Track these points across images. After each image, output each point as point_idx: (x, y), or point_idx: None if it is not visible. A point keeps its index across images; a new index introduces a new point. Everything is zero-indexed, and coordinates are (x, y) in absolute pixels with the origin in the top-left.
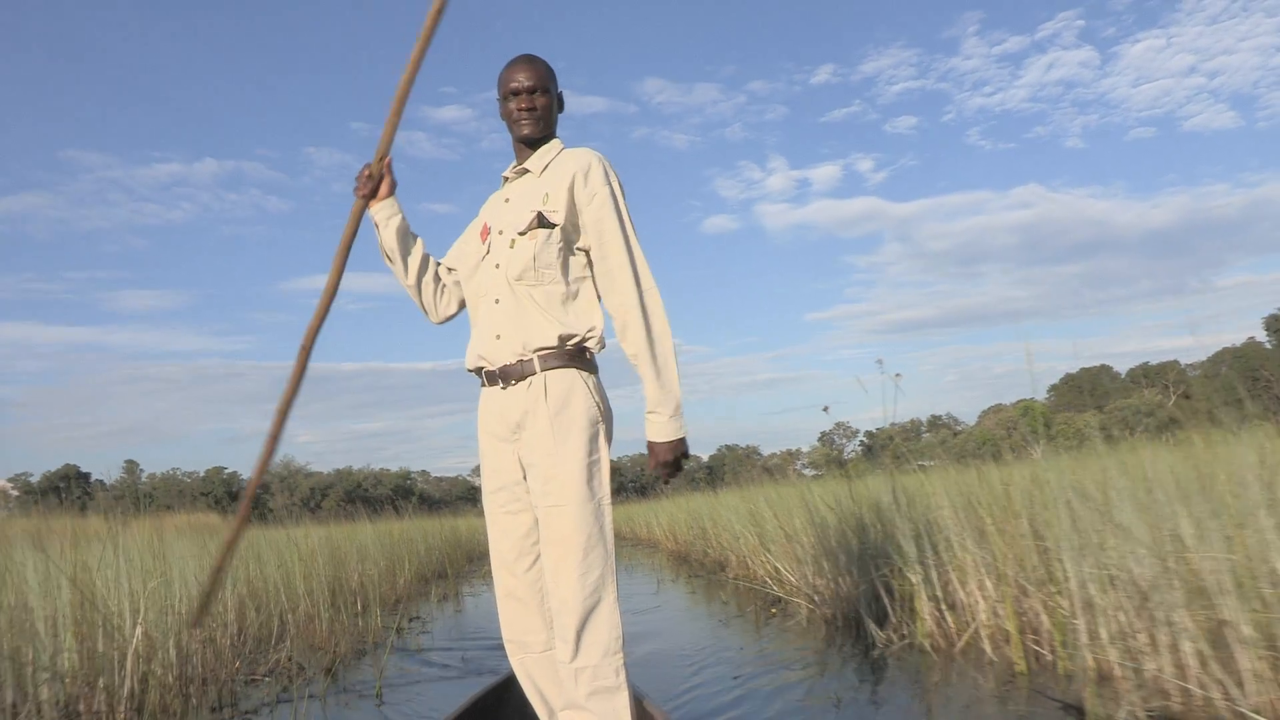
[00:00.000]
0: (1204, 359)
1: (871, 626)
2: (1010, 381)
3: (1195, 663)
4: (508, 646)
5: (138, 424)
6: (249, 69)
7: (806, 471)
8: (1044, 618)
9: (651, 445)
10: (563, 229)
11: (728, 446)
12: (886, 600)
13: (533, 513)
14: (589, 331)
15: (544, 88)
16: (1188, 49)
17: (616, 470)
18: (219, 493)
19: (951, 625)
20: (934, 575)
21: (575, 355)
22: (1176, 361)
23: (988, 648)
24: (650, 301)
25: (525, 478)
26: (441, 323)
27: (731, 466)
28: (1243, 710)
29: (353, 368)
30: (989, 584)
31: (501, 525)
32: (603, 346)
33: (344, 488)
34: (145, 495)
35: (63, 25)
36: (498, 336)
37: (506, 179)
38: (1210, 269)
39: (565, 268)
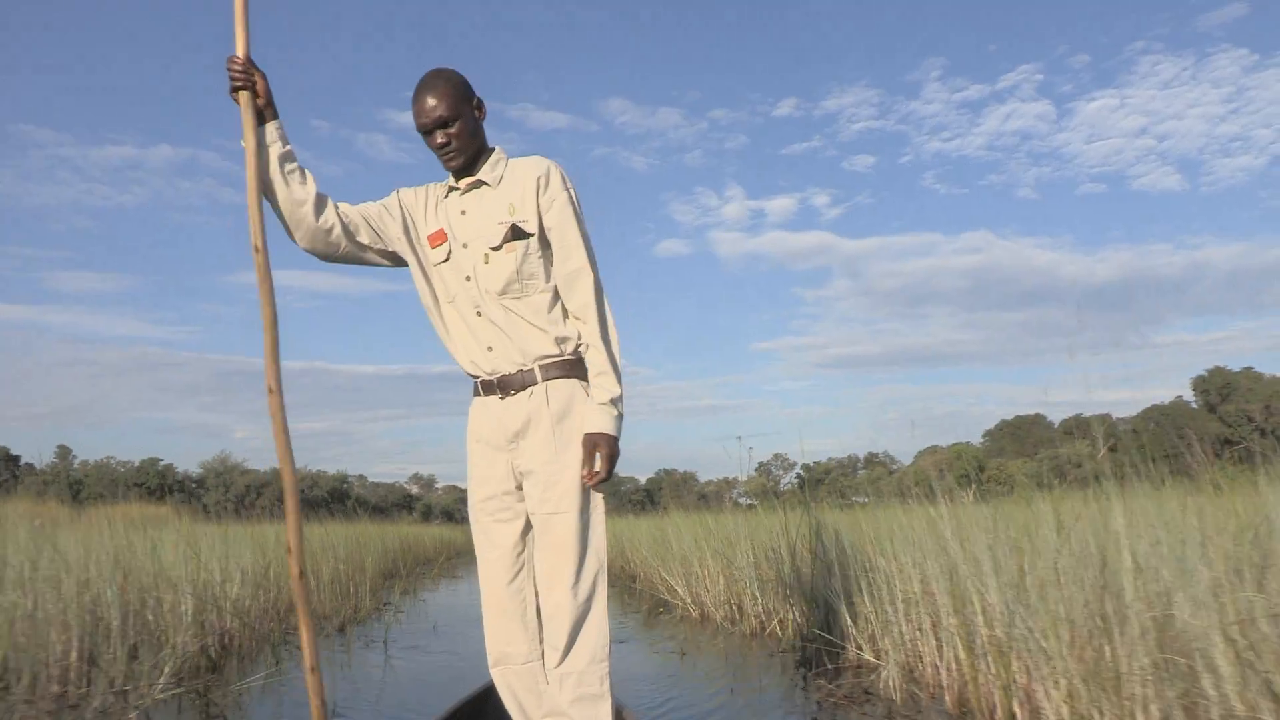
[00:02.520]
0: (1135, 413)
1: (718, 618)
2: (949, 423)
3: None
4: (490, 656)
5: (71, 408)
6: (207, 56)
7: (743, 500)
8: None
9: (597, 437)
10: (539, 237)
11: (666, 470)
12: (729, 601)
13: (521, 522)
14: (582, 339)
15: (456, 114)
16: (1140, 110)
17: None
18: (152, 484)
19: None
20: (752, 589)
21: (575, 365)
22: (1109, 415)
23: (778, 630)
24: (606, 304)
25: (517, 486)
26: (306, 250)
27: (669, 490)
28: None
29: (297, 365)
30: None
31: (490, 534)
32: None
33: (279, 487)
34: (76, 482)
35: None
36: (490, 349)
37: (454, 188)
38: (1149, 325)
39: (548, 275)
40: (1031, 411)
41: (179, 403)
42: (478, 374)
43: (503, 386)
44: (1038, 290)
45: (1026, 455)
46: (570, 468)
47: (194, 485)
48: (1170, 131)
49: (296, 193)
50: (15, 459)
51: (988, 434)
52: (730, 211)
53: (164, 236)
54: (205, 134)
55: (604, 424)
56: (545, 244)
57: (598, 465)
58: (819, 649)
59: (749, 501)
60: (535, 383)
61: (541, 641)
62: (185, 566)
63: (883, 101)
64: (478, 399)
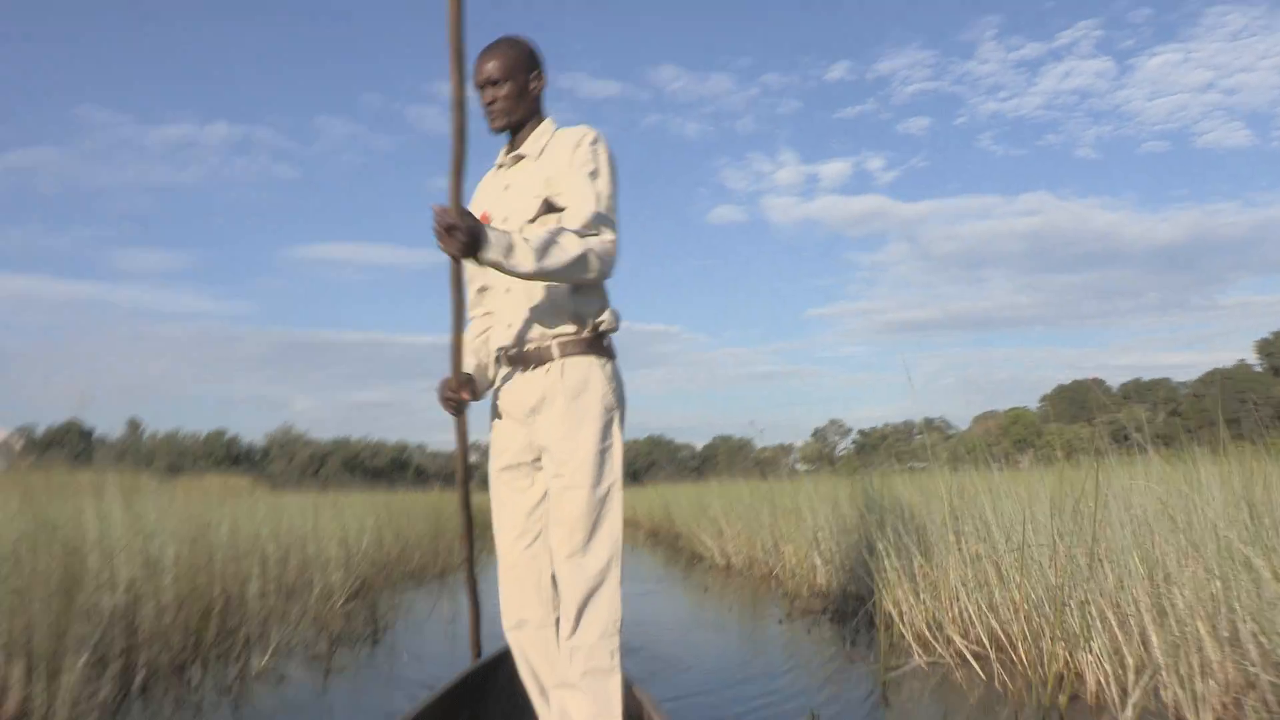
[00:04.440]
0: (1195, 378)
1: (739, 566)
2: (1008, 388)
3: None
4: (504, 621)
5: (138, 382)
6: (263, 33)
7: (799, 466)
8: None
9: (477, 223)
10: None
11: (722, 437)
12: (749, 554)
13: (537, 491)
14: (601, 314)
15: (507, 76)
16: (1206, 65)
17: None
18: (219, 455)
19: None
20: (788, 550)
21: (593, 342)
22: (1168, 379)
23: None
24: (602, 241)
25: (535, 459)
26: None
27: (725, 457)
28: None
29: (354, 337)
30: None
31: (506, 502)
32: (617, 327)
33: (341, 457)
34: (148, 454)
35: None
36: (509, 325)
37: (501, 165)
38: (1214, 286)
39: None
40: (1089, 375)
41: (240, 375)
42: (499, 349)
43: (522, 361)
44: (1098, 252)
45: (1084, 420)
46: (584, 444)
47: (259, 456)
48: (1239, 85)
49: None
50: (88, 433)
51: (1045, 399)
52: (783, 177)
53: (220, 213)
54: (260, 111)
55: (494, 236)
56: None
57: (450, 233)
58: (804, 584)
59: (805, 467)
60: (552, 359)
61: (556, 609)
62: (312, 526)
63: (937, 62)
64: (500, 370)
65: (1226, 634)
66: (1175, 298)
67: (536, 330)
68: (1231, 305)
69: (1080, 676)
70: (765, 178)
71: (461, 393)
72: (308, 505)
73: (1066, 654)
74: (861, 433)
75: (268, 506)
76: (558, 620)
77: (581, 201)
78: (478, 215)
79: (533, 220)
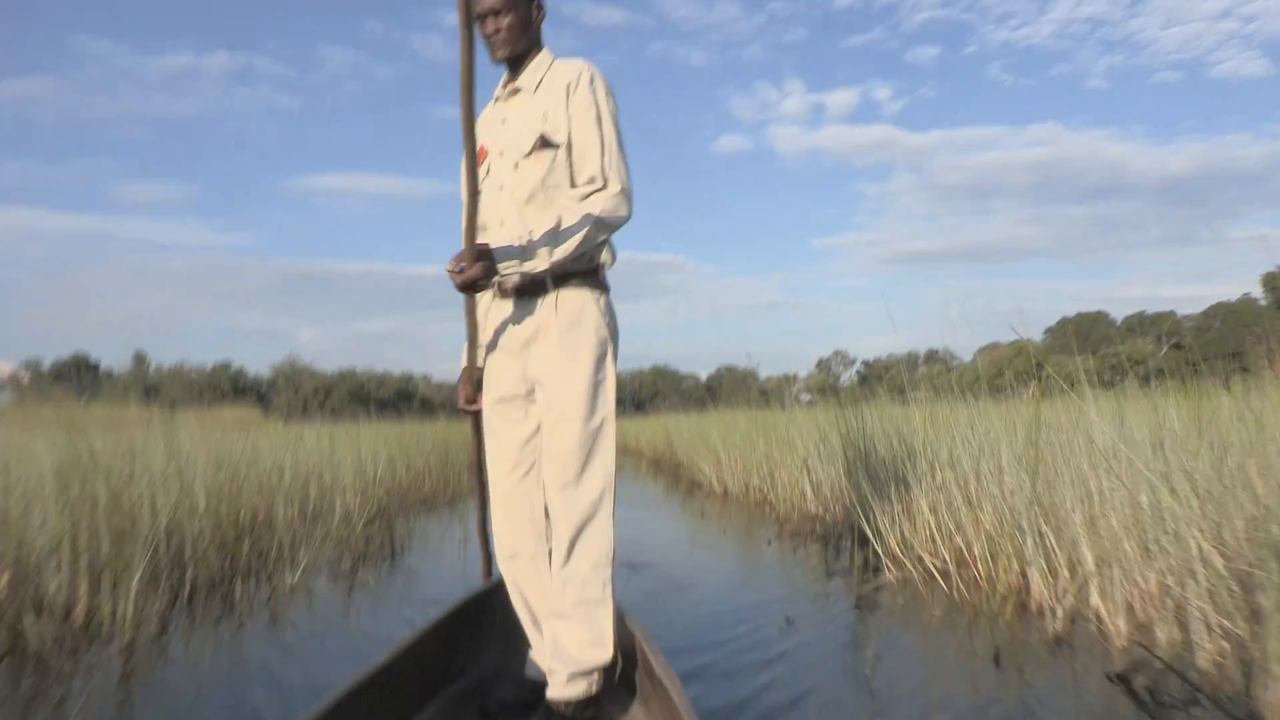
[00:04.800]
0: (1198, 311)
1: (735, 490)
2: (1012, 320)
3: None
4: (498, 552)
5: (142, 314)
6: None
7: (804, 397)
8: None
9: (487, 253)
10: (566, 147)
11: (726, 367)
12: (744, 481)
13: (531, 423)
14: (598, 247)
15: (510, 7)
16: None
17: (617, 386)
18: (225, 387)
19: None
20: (780, 475)
21: (588, 274)
22: (1173, 312)
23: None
24: (613, 197)
25: (529, 392)
26: None
27: (729, 387)
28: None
29: (358, 268)
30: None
31: (500, 435)
32: (613, 261)
33: (347, 388)
34: (153, 386)
35: None
36: (505, 271)
37: (498, 99)
38: (1224, 220)
39: (573, 184)
40: (1095, 308)
41: (244, 307)
42: (494, 280)
43: (516, 292)
44: (1107, 184)
45: (1088, 352)
46: (578, 377)
47: (265, 388)
48: (1258, 12)
49: None
50: (94, 366)
51: (1049, 331)
52: (790, 106)
53: (221, 144)
54: (260, 39)
55: (509, 254)
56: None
57: (462, 265)
58: (795, 509)
59: (809, 398)
60: (546, 290)
61: (549, 541)
62: (328, 456)
63: None
64: (494, 302)
65: (1142, 550)
66: (1183, 231)
67: (531, 263)
68: (1242, 239)
69: (1026, 590)
70: (772, 107)
71: (477, 401)
72: (323, 436)
73: (1017, 570)
74: (865, 364)
75: (284, 437)
76: (550, 552)
77: (589, 151)
78: (476, 150)
79: (528, 155)
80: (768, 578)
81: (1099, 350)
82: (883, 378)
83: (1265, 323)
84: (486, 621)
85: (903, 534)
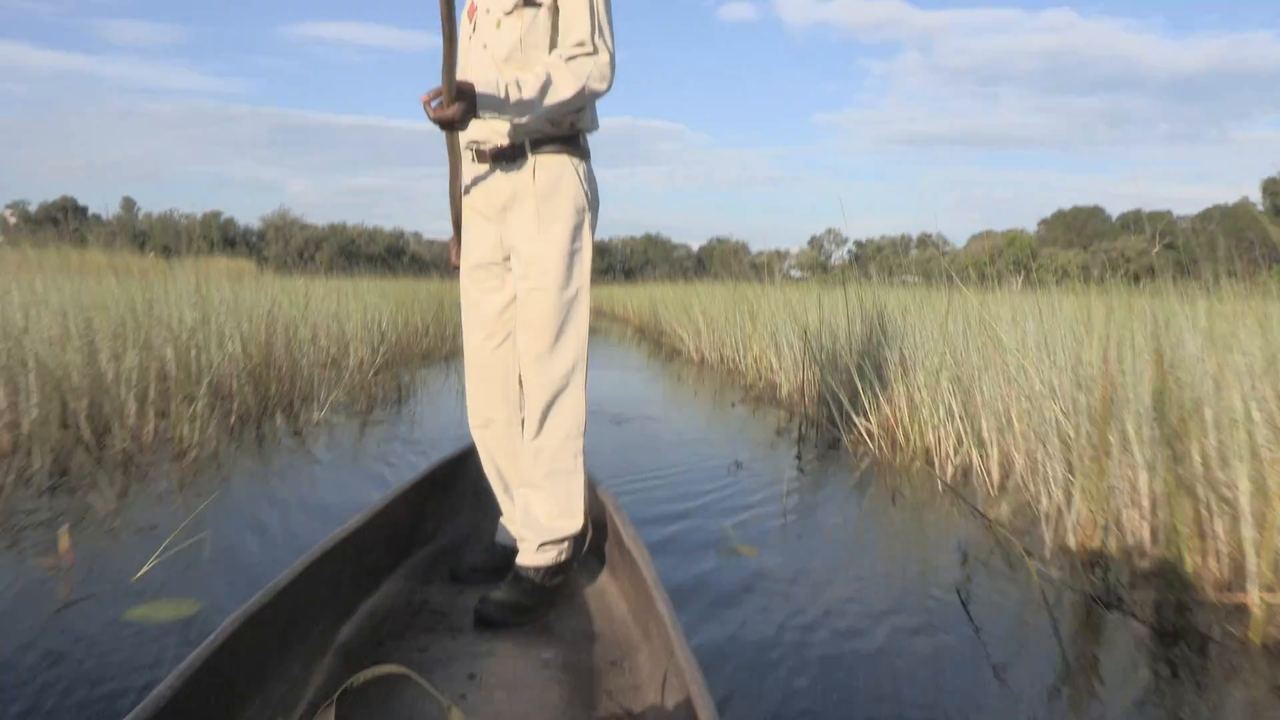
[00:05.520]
0: (1194, 212)
1: (710, 359)
2: (1008, 208)
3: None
4: (471, 419)
5: (130, 159)
6: None
7: (794, 274)
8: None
9: (469, 92)
10: (549, 8)
11: (719, 239)
12: (720, 351)
13: (507, 292)
14: (579, 112)
15: None
16: None
17: (606, 251)
18: (214, 237)
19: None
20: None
21: (568, 140)
22: (1169, 211)
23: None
24: (597, 63)
25: (505, 259)
26: None
27: (720, 259)
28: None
29: (352, 120)
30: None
31: (476, 302)
32: (595, 128)
33: (337, 243)
34: (141, 234)
35: None
36: (483, 119)
37: None
38: (1232, 120)
39: (553, 46)
40: (1091, 203)
41: (235, 156)
42: (473, 143)
43: (494, 156)
44: (1117, 76)
45: (1080, 246)
46: (553, 244)
47: (255, 239)
48: None
49: None
50: (82, 210)
51: (1043, 222)
52: None
53: None
54: None
55: (489, 98)
56: (557, 12)
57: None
58: (761, 377)
59: (799, 274)
60: (525, 155)
61: (522, 409)
62: (335, 309)
63: None
64: (473, 165)
65: (1005, 418)
66: (1189, 129)
67: (509, 126)
68: (1248, 140)
69: (932, 450)
70: None
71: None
72: (330, 289)
73: (929, 435)
74: (858, 243)
75: (290, 289)
76: (524, 420)
77: (578, 15)
78: (467, 8)
79: (509, 12)
80: (727, 432)
81: (1091, 245)
82: (874, 259)
83: (1260, 228)
84: (458, 487)
85: (850, 401)
